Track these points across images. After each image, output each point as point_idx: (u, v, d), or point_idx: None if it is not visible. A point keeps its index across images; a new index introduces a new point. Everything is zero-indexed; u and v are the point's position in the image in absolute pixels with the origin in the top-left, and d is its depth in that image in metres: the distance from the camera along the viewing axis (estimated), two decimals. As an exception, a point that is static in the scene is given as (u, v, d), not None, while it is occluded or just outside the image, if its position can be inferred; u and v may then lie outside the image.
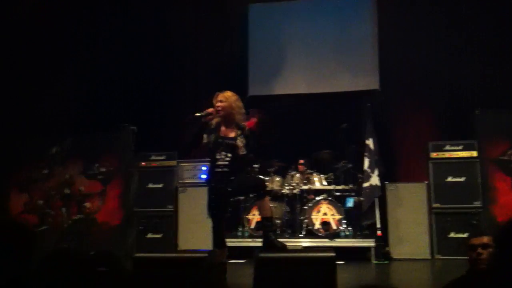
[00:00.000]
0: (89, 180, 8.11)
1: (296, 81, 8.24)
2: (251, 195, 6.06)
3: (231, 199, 5.12)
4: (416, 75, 8.33)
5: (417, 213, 7.12)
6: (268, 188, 7.03)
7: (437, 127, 8.15)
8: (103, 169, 8.08)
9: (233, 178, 4.45)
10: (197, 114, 4.47)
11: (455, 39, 8.06)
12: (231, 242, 6.01)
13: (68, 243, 7.81)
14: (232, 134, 4.58)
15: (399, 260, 6.94)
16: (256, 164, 7.58)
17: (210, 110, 4.51)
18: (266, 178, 7.57)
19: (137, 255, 3.76)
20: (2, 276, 1.70)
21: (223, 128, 4.59)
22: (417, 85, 8.34)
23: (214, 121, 4.59)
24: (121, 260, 3.60)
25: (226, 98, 4.55)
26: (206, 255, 3.60)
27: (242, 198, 7.23)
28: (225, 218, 4.82)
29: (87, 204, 8.04)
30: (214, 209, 4.53)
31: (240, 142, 4.55)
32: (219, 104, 4.53)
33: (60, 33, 8.73)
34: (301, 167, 7.71)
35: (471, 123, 7.37)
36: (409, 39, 8.35)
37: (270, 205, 4.82)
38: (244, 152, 4.54)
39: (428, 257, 6.98)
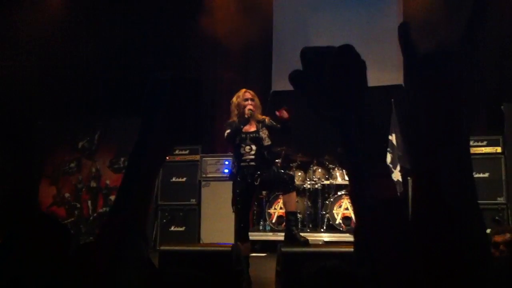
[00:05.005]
0: (115, 173, 8.28)
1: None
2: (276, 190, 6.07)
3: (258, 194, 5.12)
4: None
5: (439, 209, 7.07)
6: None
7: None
8: (129, 163, 8.23)
9: (259, 172, 4.48)
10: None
11: (480, 32, 7.94)
12: (252, 236, 6.03)
13: (93, 235, 7.98)
14: (253, 129, 4.66)
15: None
16: (278, 159, 7.62)
17: (248, 111, 4.54)
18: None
19: (162, 247, 3.83)
20: (2, 276, 1.70)
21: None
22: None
23: (236, 119, 4.66)
24: (147, 252, 3.70)
25: (253, 95, 4.63)
26: (230, 248, 3.65)
27: (265, 192, 7.27)
28: (249, 212, 4.87)
29: (113, 197, 8.20)
30: (240, 203, 4.57)
31: (263, 133, 4.62)
32: (251, 102, 4.59)
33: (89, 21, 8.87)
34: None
35: (497, 118, 7.29)
36: (433, 33, 8.26)
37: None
38: (269, 143, 4.60)
39: (450, 252, 6.94)
